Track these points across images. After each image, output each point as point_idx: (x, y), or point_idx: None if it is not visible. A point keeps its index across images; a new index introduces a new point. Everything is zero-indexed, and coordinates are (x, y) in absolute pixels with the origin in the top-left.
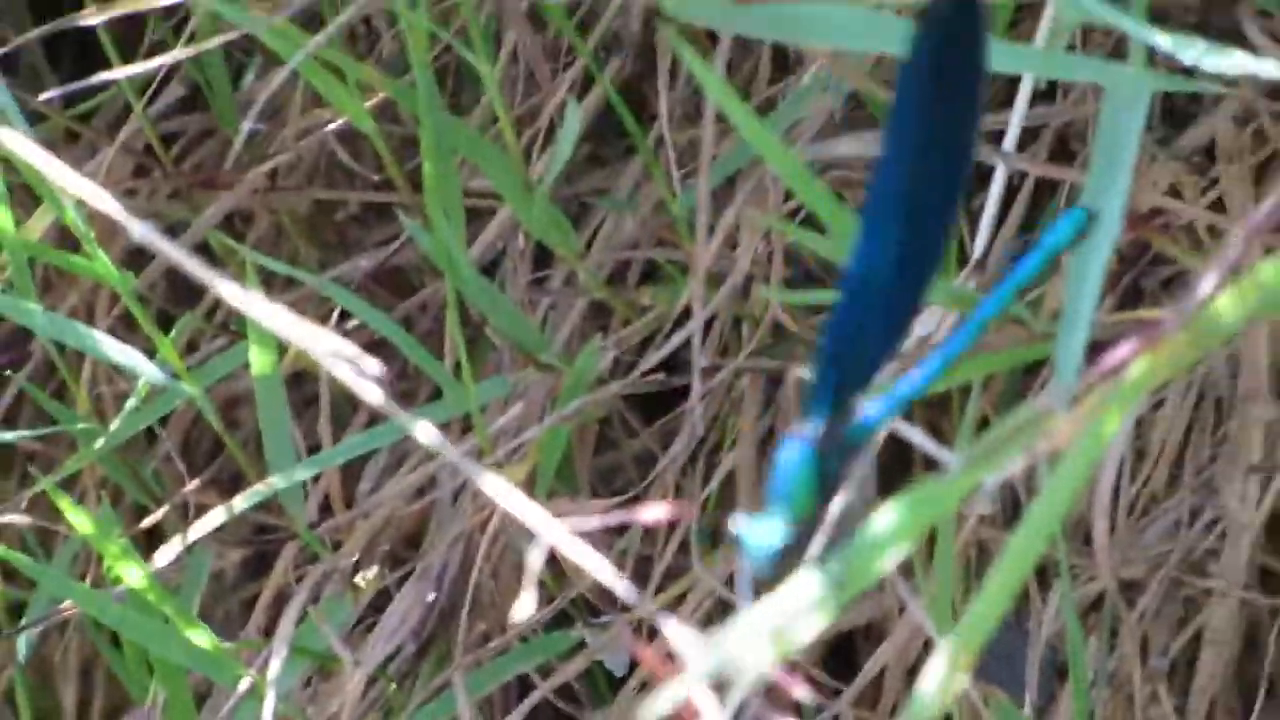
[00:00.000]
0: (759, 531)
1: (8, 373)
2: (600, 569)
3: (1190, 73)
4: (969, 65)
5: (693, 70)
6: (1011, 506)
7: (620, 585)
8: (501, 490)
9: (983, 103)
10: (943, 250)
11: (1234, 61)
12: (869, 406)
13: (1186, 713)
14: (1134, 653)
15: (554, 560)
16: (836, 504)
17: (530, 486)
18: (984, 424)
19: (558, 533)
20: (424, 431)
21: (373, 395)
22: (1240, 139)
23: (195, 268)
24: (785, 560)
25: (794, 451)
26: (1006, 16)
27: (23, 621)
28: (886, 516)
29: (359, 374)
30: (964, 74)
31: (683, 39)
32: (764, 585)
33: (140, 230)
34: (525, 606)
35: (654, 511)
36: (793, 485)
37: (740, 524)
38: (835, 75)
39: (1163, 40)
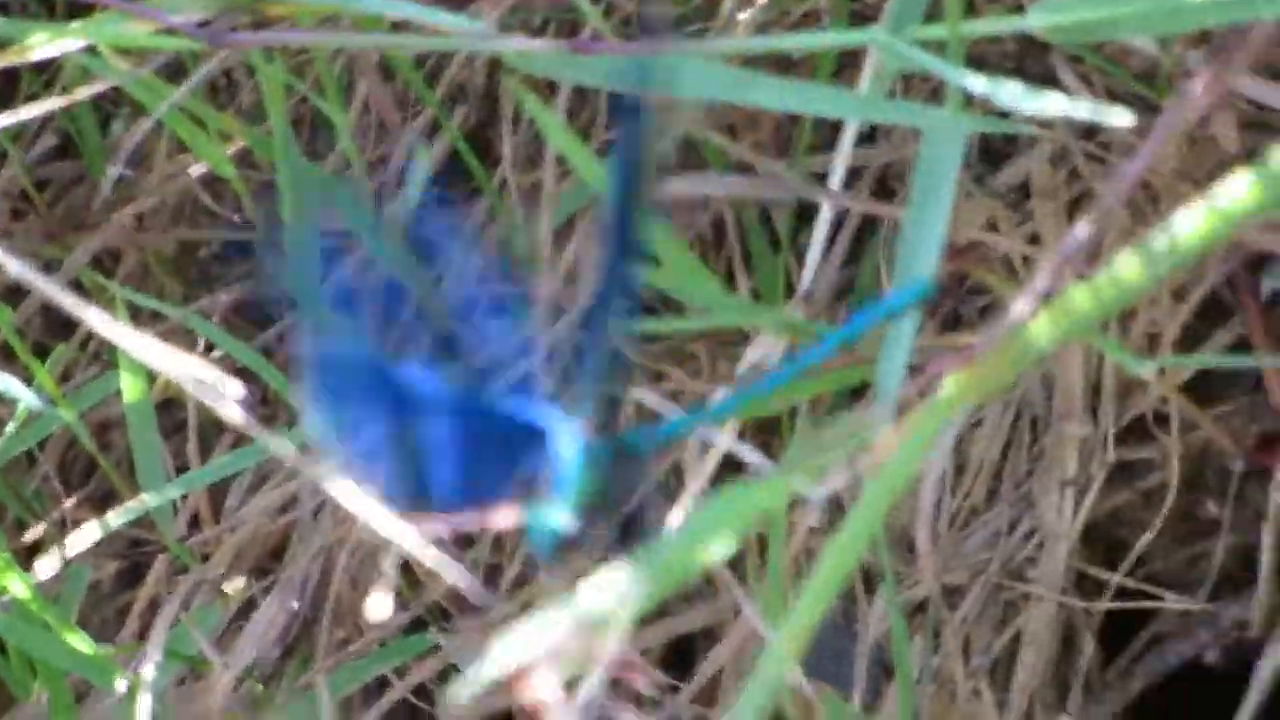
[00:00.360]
0: (542, 517)
1: None
2: (452, 570)
3: (1006, 115)
4: (643, 153)
5: (535, 116)
6: (838, 518)
7: (469, 583)
8: (358, 500)
9: (649, 176)
10: (636, 277)
11: (1048, 104)
12: (671, 420)
13: (1007, 708)
14: (957, 652)
15: (409, 570)
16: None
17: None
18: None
19: (412, 537)
20: (282, 447)
21: (234, 414)
22: (1054, 177)
23: (69, 302)
24: (570, 547)
25: (567, 441)
26: (831, 65)
27: None
28: (704, 512)
29: (220, 396)
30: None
31: (525, 88)
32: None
33: (17, 268)
34: (380, 606)
35: (503, 517)
36: (568, 474)
37: (524, 512)
38: (672, 120)
39: (978, 84)
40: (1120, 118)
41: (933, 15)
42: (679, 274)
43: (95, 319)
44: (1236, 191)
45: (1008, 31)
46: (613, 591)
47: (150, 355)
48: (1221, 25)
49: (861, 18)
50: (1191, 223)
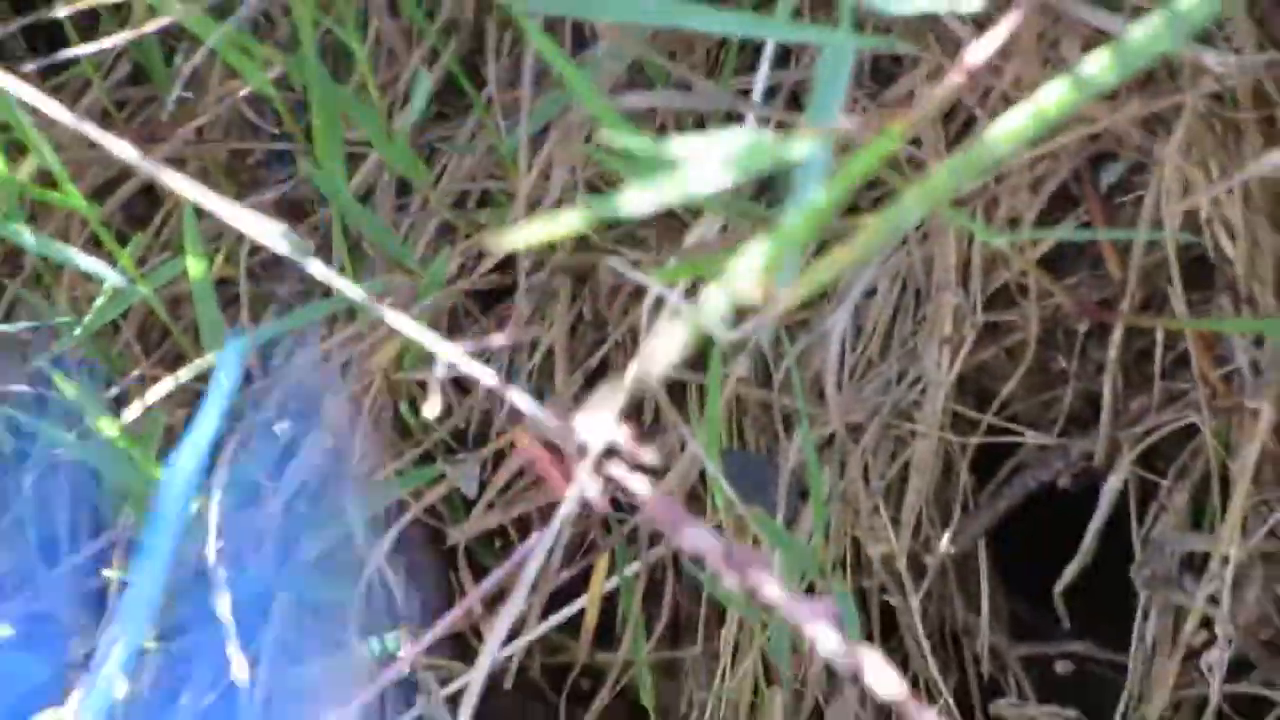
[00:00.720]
0: None
1: (5, 281)
2: (485, 375)
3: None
4: None
5: (525, 33)
6: (763, 371)
7: (489, 377)
8: (405, 322)
9: None
10: None
11: (910, 4)
12: None
13: (899, 523)
14: (859, 478)
15: (418, 413)
16: None
17: (398, 362)
18: None
19: (454, 352)
20: (321, 273)
21: (282, 246)
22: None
23: (167, 176)
24: None
25: None
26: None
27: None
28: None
29: (270, 235)
30: None
31: (510, 19)
32: None
33: (122, 149)
34: (433, 407)
35: (500, 338)
36: None
37: None
38: (622, 46)
39: None
40: (969, 4)
41: None
42: (632, 165)
43: (184, 185)
44: (1052, 95)
45: None
46: None
47: (220, 210)
48: None
49: None
50: (1013, 121)
